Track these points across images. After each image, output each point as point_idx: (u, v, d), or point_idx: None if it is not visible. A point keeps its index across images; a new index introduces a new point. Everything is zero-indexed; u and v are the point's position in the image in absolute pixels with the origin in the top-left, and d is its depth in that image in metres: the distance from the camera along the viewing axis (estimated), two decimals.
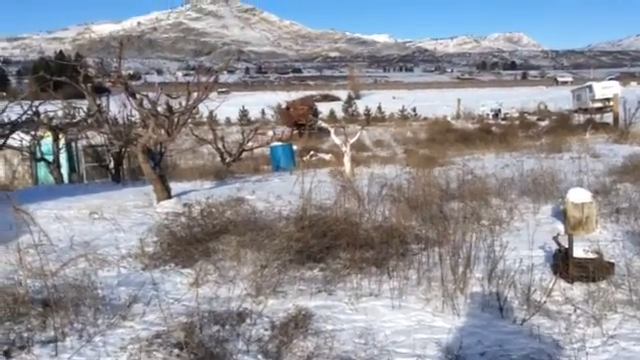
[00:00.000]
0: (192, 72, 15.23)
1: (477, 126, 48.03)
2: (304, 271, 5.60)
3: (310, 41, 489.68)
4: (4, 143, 15.65)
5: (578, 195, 6.83)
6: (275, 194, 9.93)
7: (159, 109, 10.98)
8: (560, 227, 6.98)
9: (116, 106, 16.05)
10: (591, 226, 6.75)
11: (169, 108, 11.26)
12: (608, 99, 42.79)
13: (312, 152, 29.41)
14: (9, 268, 5.55)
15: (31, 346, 3.94)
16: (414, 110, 72.05)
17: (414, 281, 5.27)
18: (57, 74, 14.15)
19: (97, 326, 4.31)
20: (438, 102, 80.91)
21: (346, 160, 14.45)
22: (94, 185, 15.64)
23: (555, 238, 5.43)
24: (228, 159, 19.75)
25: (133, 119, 15.81)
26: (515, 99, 76.43)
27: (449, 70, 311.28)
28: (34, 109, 16.82)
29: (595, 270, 4.90)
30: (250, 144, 22.43)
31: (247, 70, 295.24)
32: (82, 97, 14.38)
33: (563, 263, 5.09)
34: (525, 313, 4.45)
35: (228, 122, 63.04)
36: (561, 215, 7.30)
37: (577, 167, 10.31)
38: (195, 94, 10.65)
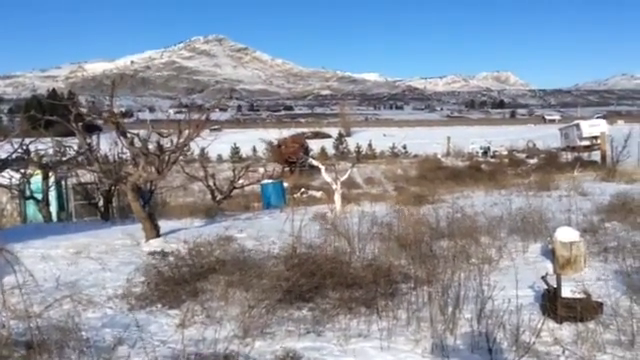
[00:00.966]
0: (184, 110, 15.34)
1: (467, 164, 48.31)
2: (293, 311, 5.55)
3: (302, 79, 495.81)
4: None
5: (566, 234, 6.86)
6: (265, 232, 9.90)
7: (150, 146, 11.01)
8: (549, 266, 6.98)
9: (107, 144, 16.09)
10: (579, 265, 6.76)
11: (160, 146, 11.29)
12: (595, 137, 43.36)
13: (303, 189, 29.44)
14: None
15: None
16: (404, 147, 72.53)
17: (403, 321, 5.23)
18: (49, 112, 14.20)
19: None
20: (428, 140, 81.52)
21: (337, 198, 14.46)
22: (83, 223, 15.51)
23: (544, 278, 5.42)
24: (219, 196, 19.74)
25: (124, 157, 15.83)
26: (504, 137, 77.27)
27: (439, 108, 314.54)
28: (24, 147, 16.82)
29: (583, 310, 4.89)
30: (241, 181, 22.45)
31: (239, 108, 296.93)
32: (73, 135, 14.41)
33: (551, 303, 5.09)
34: (514, 354, 4.42)
35: (220, 159, 63.09)
36: (550, 254, 7.31)
37: (565, 205, 10.38)
38: (186, 132, 10.71)
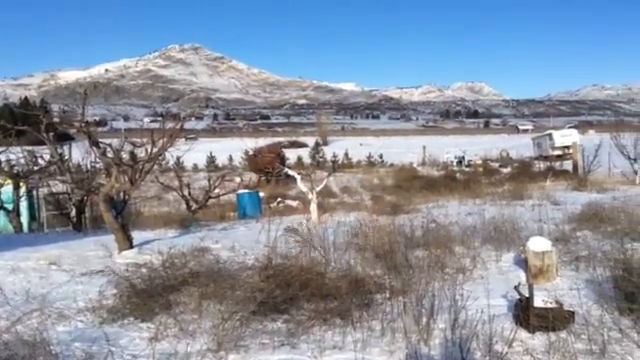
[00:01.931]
0: (159, 119, 15.22)
1: (442, 173, 48.79)
2: (267, 323, 5.51)
3: (278, 89, 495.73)
4: None
5: (538, 244, 6.94)
6: (240, 243, 9.83)
7: (123, 156, 10.88)
8: (522, 275, 7.06)
9: (80, 153, 15.86)
10: (551, 274, 6.84)
11: (133, 156, 11.17)
12: (567, 147, 44.22)
13: (279, 199, 29.36)
14: None
15: None
16: (381, 157, 72.98)
17: (378, 332, 5.23)
18: (21, 121, 13.96)
19: None
20: (404, 149, 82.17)
21: (313, 208, 14.46)
22: (54, 234, 15.24)
23: (516, 287, 5.47)
24: (194, 206, 19.54)
25: (97, 166, 15.62)
26: (478, 146, 78.18)
27: (414, 118, 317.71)
28: None
29: (555, 320, 4.94)
30: (217, 191, 22.28)
31: (215, 117, 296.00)
32: (46, 144, 14.20)
33: (524, 313, 5.13)
34: None
35: (195, 168, 62.74)
36: (522, 263, 7.39)
37: (538, 215, 10.53)
38: (161, 141, 10.60)
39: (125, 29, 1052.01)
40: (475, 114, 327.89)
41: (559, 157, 45.21)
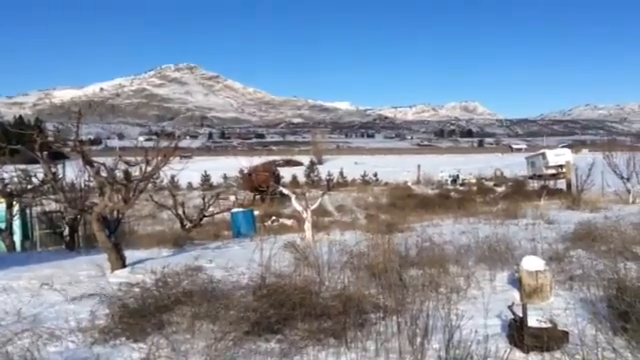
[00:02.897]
0: (154, 137, 15.23)
1: (436, 192, 48.94)
2: (260, 343, 5.47)
3: (273, 108, 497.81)
4: None
5: (532, 263, 6.94)
6: (234, 262, 9.79)
7: (117, 173, 10.86)
8: (516, 295, 7.05)
9: (74, 171, 15.82)
10: (546, 294, 6.83)
11: (127, 175, 11.15)
12: (561, 166, 44.45)
13: (273, 218, 29.33)
14: None
15: None
16: (375, 175, 73.21)
17: (372, 352, 5.19)
18: (15, 140, 13.94)
19: None
20: (399, 168, 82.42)
21: (307, 226, 14.44)
22: (47, 253, 15.14)
23: (510, 307, 5.47)
24: (188, 225, 19.49)
25: (91, 185, 15.57)
26: (472, 165, 78.62)
27: (409, 137, 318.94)
28: None
29: (550, 340, 4.93)
30: (211, 209, 22.25)
31: (210, 135, 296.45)
32: (39, 162, 14.17)
33: (518, 333, 5.11)
34: None
35: (190, 187, 62.69)
36: (517, 282, 7.38)
37: (532, 234, 10.55)
38: (155, 160, 10.59)
39: (120, 48, 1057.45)
40: (469, 133, 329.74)
41: (553, 176, 45.41)
